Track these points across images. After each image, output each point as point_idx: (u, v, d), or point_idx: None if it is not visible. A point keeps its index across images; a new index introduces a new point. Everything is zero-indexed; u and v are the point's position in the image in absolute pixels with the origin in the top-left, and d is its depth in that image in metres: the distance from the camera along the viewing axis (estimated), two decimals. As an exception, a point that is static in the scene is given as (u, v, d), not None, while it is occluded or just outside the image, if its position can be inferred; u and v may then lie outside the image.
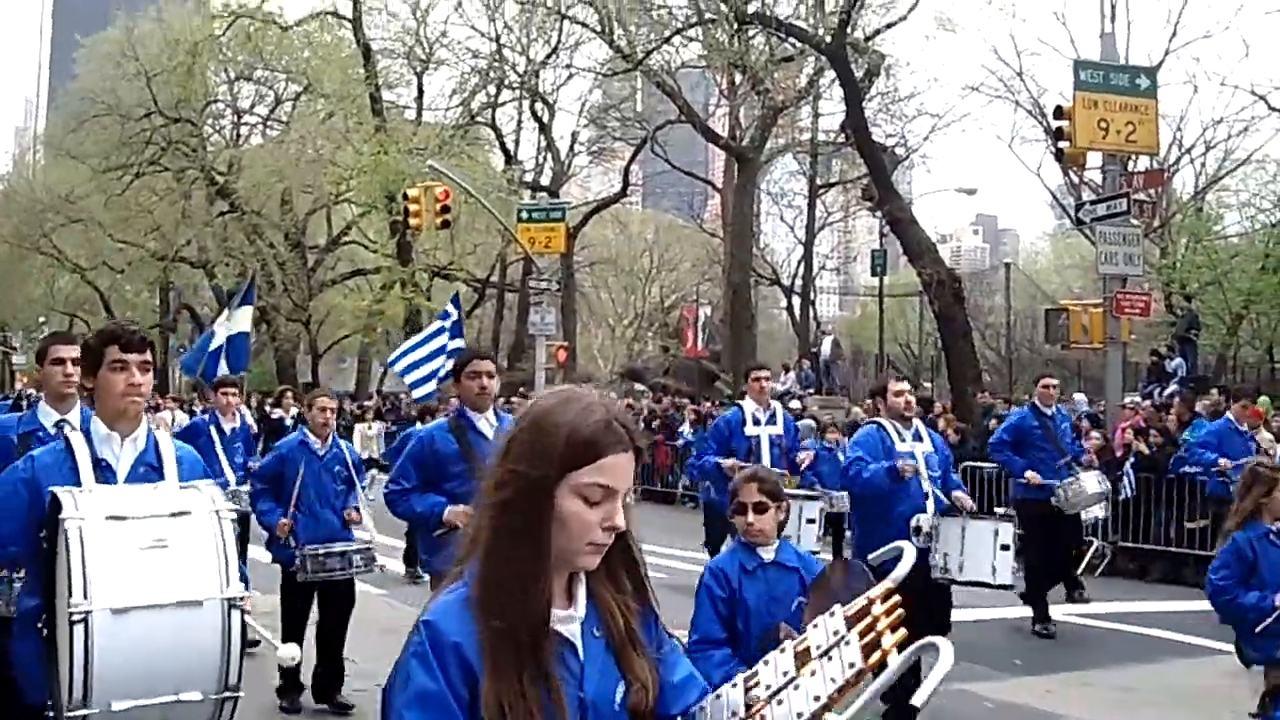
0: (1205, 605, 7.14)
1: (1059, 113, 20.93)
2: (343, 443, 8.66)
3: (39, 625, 3.72)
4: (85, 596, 3.41)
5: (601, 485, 1.98)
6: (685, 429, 23.70)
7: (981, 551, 7.87)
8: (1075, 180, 34.88)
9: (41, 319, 58.14)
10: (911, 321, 51.34)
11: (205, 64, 40.52)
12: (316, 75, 39.72)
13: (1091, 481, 11.23)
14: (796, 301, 47.98)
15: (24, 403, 37.28)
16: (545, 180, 42.52)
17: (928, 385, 45.48)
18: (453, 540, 3.63)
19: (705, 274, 52.33)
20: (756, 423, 10.18)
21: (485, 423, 6.79)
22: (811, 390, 28.74)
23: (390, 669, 2.04)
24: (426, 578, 9.87)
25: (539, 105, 40.97)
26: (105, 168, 43.27)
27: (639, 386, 41.19)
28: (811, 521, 9.31)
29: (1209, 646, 9.84)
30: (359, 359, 50.54)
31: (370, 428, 26.70)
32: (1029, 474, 11.24)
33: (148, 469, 4.11)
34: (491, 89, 40.61)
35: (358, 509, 8.26)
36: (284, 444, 8.70)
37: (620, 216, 54.01)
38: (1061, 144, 21.06)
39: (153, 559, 3.59)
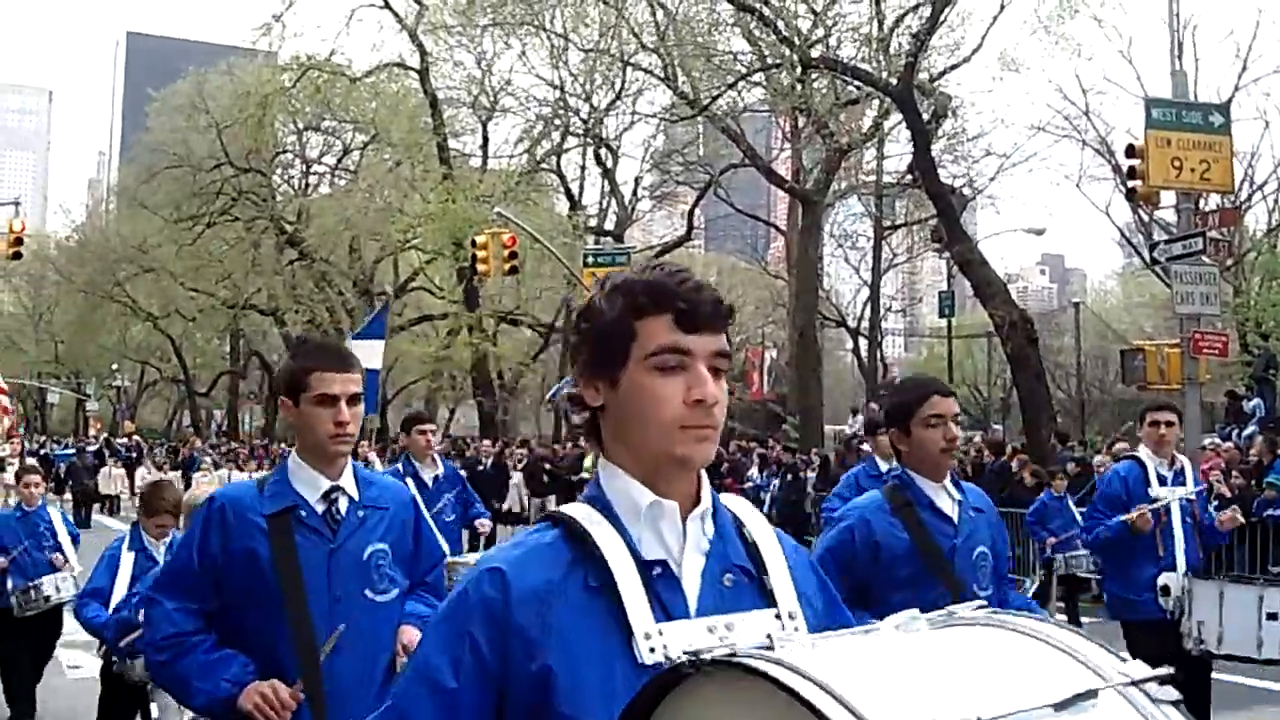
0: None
1: (1130, 151, 20.67)
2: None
3: None
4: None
5: None
6: (753, 473, 23.56)
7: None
8: (1145, 219, 34.46)
9: (114, 366, 59.18)
10: (979, 362, 50.82)
11: (275, 115, 41.15)
12: (383, 125, 40.25)
13: None
14: (863, 343, 47.71)
15: (107, 450, 38.10)
16: (609, 225, 42.69)
17: (997, 427, 45.00)
18: None
19: (769, 316, 52.20)
20: (1163, 482, 7.19)
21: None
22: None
23: None
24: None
25: (603, 151, 41.19)
26: (177, 218, 44.12)
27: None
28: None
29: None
30: (426, 403, 50.94)
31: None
32: None
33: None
34: (556, 135, 40.91)
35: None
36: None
37: (683, 260, 54.04)
38: (1133, 183, 20.79)
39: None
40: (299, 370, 3.49)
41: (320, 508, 3.45)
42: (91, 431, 58.03)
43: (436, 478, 9.15)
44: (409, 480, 7.82)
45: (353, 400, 3.48)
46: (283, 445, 39.31)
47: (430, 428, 9.62)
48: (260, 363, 56.19)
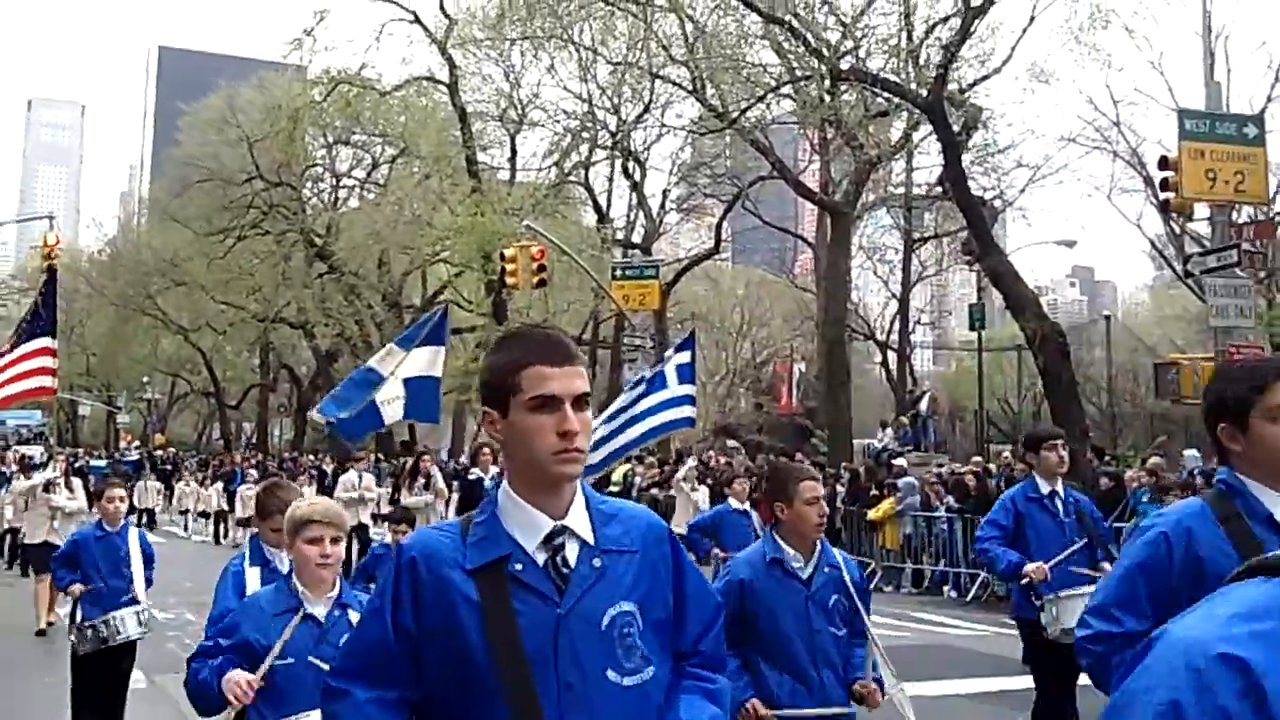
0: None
1: (1164, 163, 20.53)
2: None
3: None
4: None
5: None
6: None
7: None
8: (1177, 231, 34.22)
9: (145, 379, 59.58)
10: (1009, 376, 50.54)
11: (305, 129, 41.41)
12: (413, 138, 40.44)
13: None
14: (891, 357, 47.52)
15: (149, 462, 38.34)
16: (637, 237, 42.69)
17: (1027, 441, 44.66)
18: None
19: (797, 329, 52.08)
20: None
21: None
22: (910, 447, 28.35)
23: None
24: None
25: (631, 163, 41.22)
26: (208, 231, 44.43)
27: (731, 443, 40.95)
28: None
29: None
30: (454, 417, 51.06)
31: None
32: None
33: None
34: (584, 148, 40.97)
35: None
36: None
37: (710, 273, 54.06)
38: (1166, 195, 20.63)
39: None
40: (508, 366, 2.54)
41: (541, 557, 2.50)
42: (122, 443, 58.46)
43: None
44: None
45: (580, 403, 2.52)
46: (311, 457, 39.38)
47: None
48: (290, 376, 56.48)
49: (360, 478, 20.12)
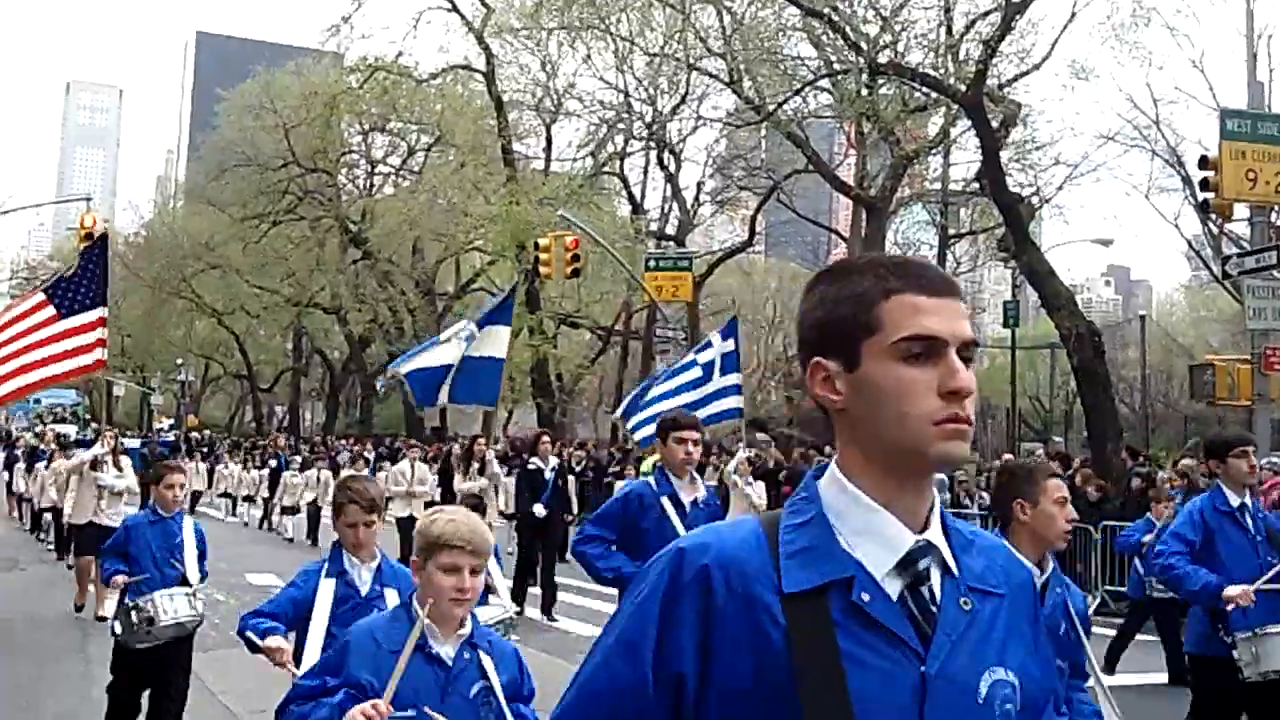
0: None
1: (1204, 163, 20.35)
2: None
3: None
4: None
5: None
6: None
7: None
8: (1215, 231, 33.94)
9: (179, 361, 60.00)
10: (1042, 374, 50.33)
11: (341, 116, 41.60)
12: (448, 127, 40.59)
13: None
14: (924, 353, 47.31)
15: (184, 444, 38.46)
16: (671, 229, 42.69)
17: (1059, 440, 44.47)
18: None
19: (829, 324, 51.91)
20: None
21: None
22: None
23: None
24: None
25: (666, 155, 41.21)
26: (243, 216, 44.72)
27: (763, 436, 40.94)
28: None
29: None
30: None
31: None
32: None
33: None
34: (619, 139, 41.01)
35: None
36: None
37: (743, 265, 54.02)
38: (1206, 195, 20.47)
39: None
40: (857, 296, 1.71)
41: (895, 586, 1.65)
42: (156, 424, 58.94)
43: (696, 502, 6.61)
44: (666, 503, 6.46)
45: (967, 351, 1.68)
46: (341, 443, 39.53)
47: (693, 435, 6.63)
48: (322, 360, 56.84)
49: (413, 468, 18.07)
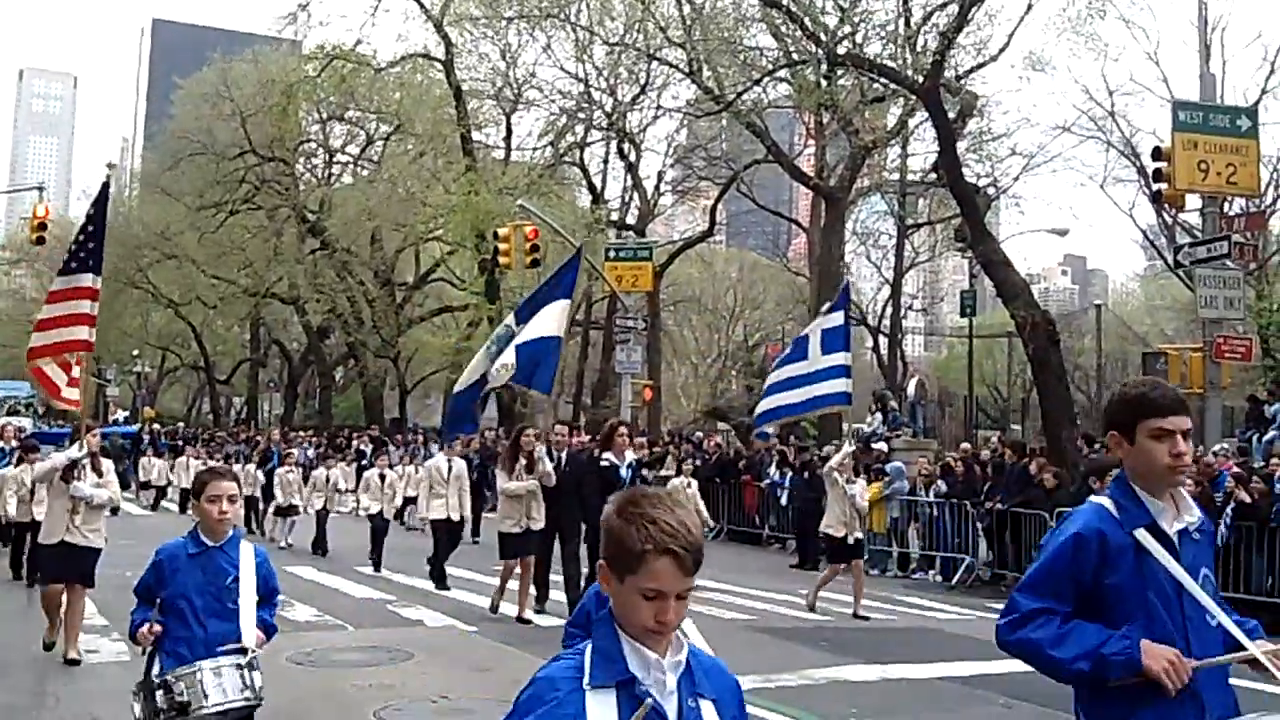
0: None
1: (1157, 154, 20.61)
2: None
3: None
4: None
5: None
6: (772, 470, 23.53)
7: None
8: (1169, 221, 34.31)
9: (135, 352, 59.43)
10: (999, 363, 50.73)
11: (299, 104, 41.24)
12: (407, 116, 40.35)
13: None
14: (883, 342, 47.63)
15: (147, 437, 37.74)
16: (631, 219, 42.68)
17: (1016, 428, 44.86)
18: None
19: (789, 312, 52.17)
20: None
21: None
22: (897, 432, 28.40)
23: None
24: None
25: (626, 145, 41.17)
26: (200, 205, 44.27)
27: (722, 425, 41.05)
28: None
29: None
30: (445, 395, 51.13)
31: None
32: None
33: None
34: (579, 129, 40.92)
35: None
36: None
37: (704, 255, 54.11)
38: (1159, 185, 20.72)
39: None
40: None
41: None
42: (111, 416, 58.34)
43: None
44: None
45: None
46: (300, 434, 39.24)
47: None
48: (280, 351, 56.46)
49: (450, 465, 15.77)
